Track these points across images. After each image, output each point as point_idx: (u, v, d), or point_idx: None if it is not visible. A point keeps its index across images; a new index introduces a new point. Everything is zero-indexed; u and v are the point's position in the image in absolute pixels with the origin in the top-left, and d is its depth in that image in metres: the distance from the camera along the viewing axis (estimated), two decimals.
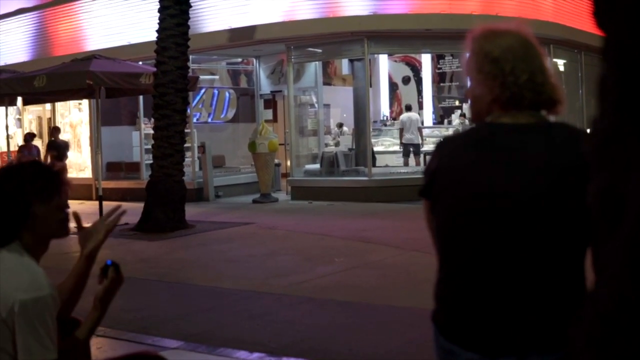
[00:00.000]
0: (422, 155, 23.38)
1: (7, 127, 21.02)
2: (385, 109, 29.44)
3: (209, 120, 25.88)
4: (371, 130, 22.18)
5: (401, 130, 23.76)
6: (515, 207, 2.70)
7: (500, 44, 2.88)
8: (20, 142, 25.23)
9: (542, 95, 2.82)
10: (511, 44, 2.86)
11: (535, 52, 2.87)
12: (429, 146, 24.34)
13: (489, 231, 2.73)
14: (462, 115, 25.92)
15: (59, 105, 25.34)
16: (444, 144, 3.00)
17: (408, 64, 30.83)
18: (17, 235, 3.39)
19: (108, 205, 17.62)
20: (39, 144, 26.50)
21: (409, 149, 23.58)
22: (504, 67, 2.83)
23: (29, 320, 3.23)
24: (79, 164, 24.65)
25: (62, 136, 25.51)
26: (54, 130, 22.86)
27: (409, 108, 25.35)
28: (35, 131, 27.19)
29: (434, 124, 28.44)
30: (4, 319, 3.26)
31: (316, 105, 23.30)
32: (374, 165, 21.35)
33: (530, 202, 2.69)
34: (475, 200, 2.79)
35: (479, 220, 2.76)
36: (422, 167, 22.80)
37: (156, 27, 16.38)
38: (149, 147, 19.07)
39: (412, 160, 23.76)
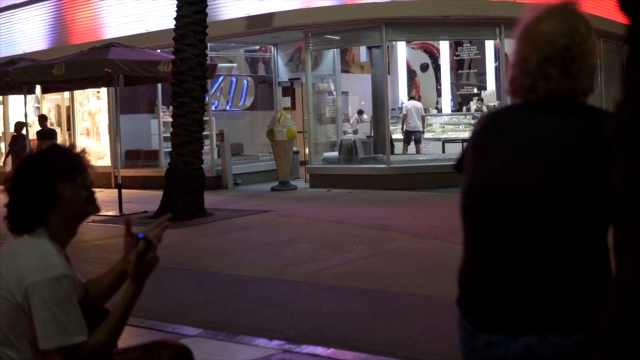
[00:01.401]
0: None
1: (25, 115, 21.11)
2: (403, 97, 29.35)
3: (227, 108, 25.87)
4: (389, 117, 22.13)
5: (404, 118, 23.89)
6: (528, 188, 2.71)
7: (538, 29, 2.87)
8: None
9: (562, 85, 2.80)
10: (546, 30, 2.84)
11: (568, 38, 2.83)
12: (448, 134, 24.46)
13: (503, 211, 2.75)
14: (480, 99, 25.94)
15: (78, 93, 25.40)
16: (480, 120, 3.04)
17: (426, 51, 30.72)
18: (44, 220, 3.40)
19: (127, 193, 17.73)
20: (58, 131, 26.60)
21: (411, 136, 23.80)
22: (524, 55, 2.87)
23: (44, 301, 3.23)
24: (98, 152, 24.71)
25: (82, 124, 25.63)
26: (41, 119, 22.85)
27: (412, 97, 25.61)
28: (54, 119, 27.27)
29: (452, 111, 28.34)
30: (20, 304, 3.26)
31: (334, 92, 23.30)
32: (392, 152, 21.32)
33: (543, 183, 2.69)
34: (489, 182, 2.82)
35: (494, 200, 2.79)
36: (423, 155, 23.03)
37: (174, 14, 16.38)
38: (168, 135, 19.09)
39: (415, 147, 23.92)
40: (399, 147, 23.95)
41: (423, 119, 24.62)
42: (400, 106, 27.88)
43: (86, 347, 3.32)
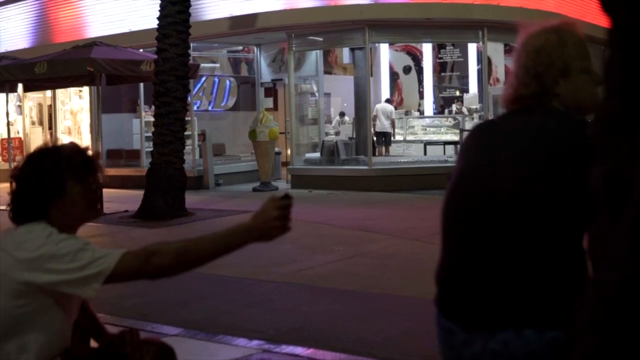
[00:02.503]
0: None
1: (7, 113, 21.02)
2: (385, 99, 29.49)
3: (210, 108, 25.84)
4: (371, 119, 22.20)
5: (374, 119, 24.12)
6: (501, 189, 2.79)
7: (527, 43, 2.99)
8: (21, 129, 25.23)
9: (538, 93, 2.93)
10: (535, 45, 2.96)
11: (548, 53, 2.94)
12: (430, 136, 24.57)
13: (477, 210, 2.83)
14: (460, 101, 26.12)
15: (60, 92, 25.34)
16: (471, 129, 3.20)
17: (409, 53, 30.79)
18: (47, 214, 3.38)
19: (108, 192, 17.65)
20: (39, 131, 26.51)
21: (381, 138, 23.95)
22: (516, 69, 2.99)
23: (57, 267, 3.20)
24: None
25: (63, 123, 25.53)
26: None
27: (387, 100, 25.86)
28: (35, 118, 27.19)
29: (434, 113, 28.45)
30: (39, 285, 3.23)
31: (317, 94, 23.31)
32: (373, 154, 21.37)
33: (515, 184, 2.77)
34: (460, 181, 2.94)
35: (468, 200, 2.88)
36: (405, 157, 23.18)
37: (157, 14, 16.35)
38: (150, 134, 19.05)
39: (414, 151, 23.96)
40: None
41: (393, 122, 24.85)
42: None
43: (126, 259, 3.23)
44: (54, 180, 3.37)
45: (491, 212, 2.77)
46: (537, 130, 2.85)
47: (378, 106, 24.60)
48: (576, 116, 2.89)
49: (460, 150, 3.10)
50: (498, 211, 2.76)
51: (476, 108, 24.86)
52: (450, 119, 25.83)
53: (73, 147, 3.54)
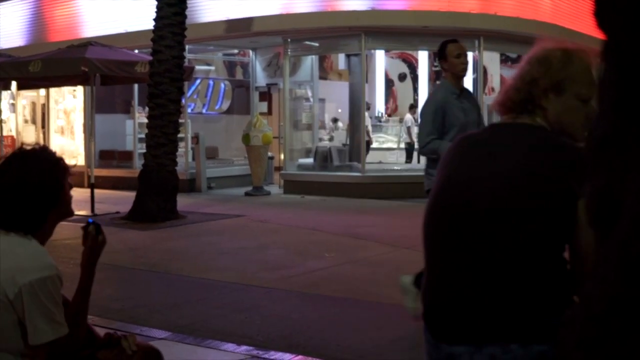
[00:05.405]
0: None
1: (0, 111, 20.97)
2: (380, 106, 29.46)
3: (204, 111, 25.81)
4: (365, 125, 22.20)
5: (408, 130, 24.39)
6: (475, 201, 2.79)
7: (534, 54, 2.98)
8: (14, 127, 25.19)
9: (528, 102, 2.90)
10: (539, 55, 2.95)
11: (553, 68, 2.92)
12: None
13: (457, 225, 2.82)
14: None
15: (53, 91, 25.27)
16: (452, 142, 3.17)
17: (405, 60, 30.80)
18: (45, 223, 3.39)
19: (100, 193, 17.65)
20: (32, 129, 26.47)
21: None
22: (515, 75, 3.00)
23: (40, 300, 3.21)
24: (72, 151, 24.56)
25: (56, 122, 25.49)
26: None
27: (412, 107, 25.92)
28: (28, 116, 27.15)
29: None
30: (11, 301, 3.22)
31: (311, 99, 23.28)
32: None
33: (489, 198, 2.77)
34: (440, 195, 2.95)
35: (447, 214, 2.87)
36: (398, 164, 23.23)
37: (153, 15, 16.34)
38: (143, 136, 19.01)
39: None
40: (375, 155, 23.98)
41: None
42: (377, 115, 28.06)
43: (68, 337, 3.33)
44: (53, 188, 3.38)
45: (472, 227, 2.77)
46: (519, 146, 2.85)
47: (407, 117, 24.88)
48: (558, 136, 2.87)
49: (441, 163, 3.07)
50: (479, 225, 2.76)
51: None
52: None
53: (51, 151, 3.54)
